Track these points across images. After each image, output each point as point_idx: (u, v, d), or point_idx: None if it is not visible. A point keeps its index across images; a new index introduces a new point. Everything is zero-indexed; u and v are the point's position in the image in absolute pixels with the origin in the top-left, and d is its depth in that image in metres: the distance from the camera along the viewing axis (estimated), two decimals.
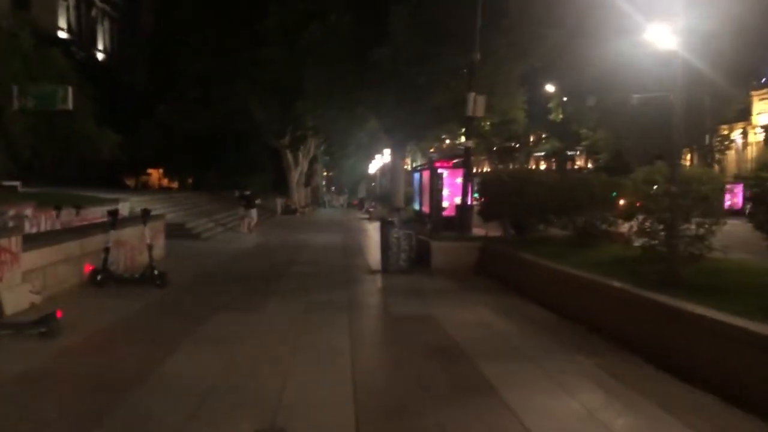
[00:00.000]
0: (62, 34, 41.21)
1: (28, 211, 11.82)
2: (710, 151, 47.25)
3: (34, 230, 11.57)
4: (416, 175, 27.92)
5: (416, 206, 26.71)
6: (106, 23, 52.20)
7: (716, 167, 58.88)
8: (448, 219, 20.24)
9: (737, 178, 55.87)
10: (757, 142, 57.39)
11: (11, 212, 11.16)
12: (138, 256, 12.62)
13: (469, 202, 18.11)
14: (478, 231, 18.44)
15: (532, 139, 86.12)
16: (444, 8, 26.29)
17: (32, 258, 9.06)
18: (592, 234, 10.58)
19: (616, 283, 7.43)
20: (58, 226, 12.63)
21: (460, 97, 30.45)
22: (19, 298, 8.45)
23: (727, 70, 43.37)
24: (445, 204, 21.17)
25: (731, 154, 59.61)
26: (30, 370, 5.95)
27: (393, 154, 36.87)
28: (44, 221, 12.36)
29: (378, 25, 27.82)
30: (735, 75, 45.62)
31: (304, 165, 48.16)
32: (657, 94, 44.56)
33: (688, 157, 63.10)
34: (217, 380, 5.62)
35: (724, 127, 56.45)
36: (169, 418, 4.74)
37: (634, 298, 6.84)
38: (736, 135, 58.85)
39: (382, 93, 29.74)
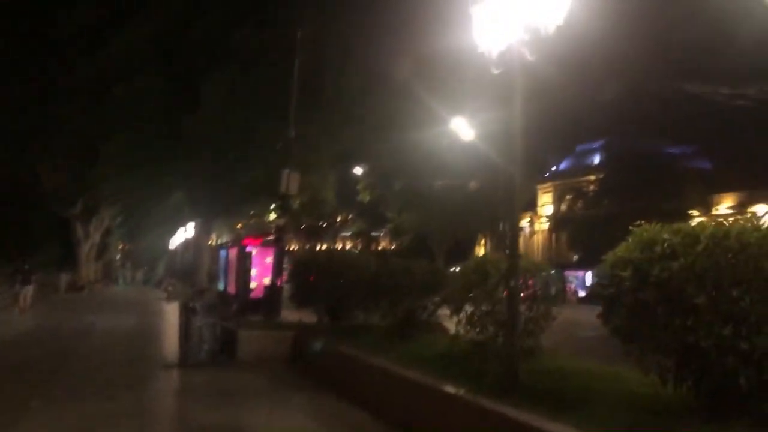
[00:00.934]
0: None
1: None
2: (504, 238, 50.20)
3: None
4: (223, 253, 26.19)
5: (221, 286, 24.93)
6: None
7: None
8: (256, 301, 18.90)
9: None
10: (542, 231, 62.41)
11: None
12: None
13: (279, 284, 17.04)
14: (288, 315, 17.25)
15: (339, 219, 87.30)
16: (264, 82, 25.66)
17: None
18: (414, 324, 9.86)
19: (450, 389, 6.65)
20: None
21: (274, 173, 29.65)
22: None
23: (516, 164, 46.92)
24: (253, 285, 19.80)
25: (520, 242, 63.92)
26: None
27: (198, 228, 34.83)
28: None
29: (192, 92, 26.44)
30: (522, 168, 49.48)
31: (95, 237, 44.17)
32: (459, 183, 47.16)
33: (482, 242, 67.22)
34: None
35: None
36: None
37: (471, 407, 6.08)
38: (525, 224, 63.57)
39: (193, 164, 28.09)
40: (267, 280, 19.76)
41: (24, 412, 7.66)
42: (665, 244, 4.68)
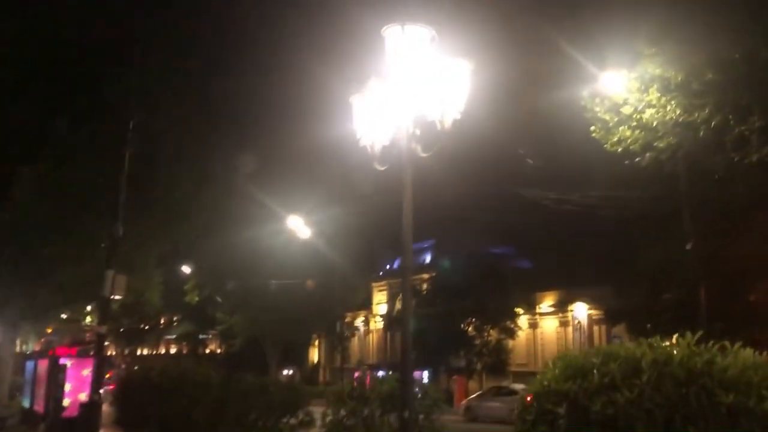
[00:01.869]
0: None
1: None
2: (341, 338, 49.51)
3: None
4: (29, 365, 23.09)
5: (26, 403, 21.75)
6: None
7: (340, 356, 62.07)
8: (70, 421, 16.51)
9: (361, 365, 59.47)
10: (377, 330, 62.40)
11: None
12: None
13: (98, 400, 14.96)
14: None
15: (163, 321, 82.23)
16: (82, 176, 23.66)
17: None
18: None
19: None
20: None
21: (93, 274, 27.04)
22: None
23: (352, 262, 47.10)
24: (66, 402, 17.34)
25: (355, 341, 63.68)
26: None
27: (0, 334, 30.70)
28: None
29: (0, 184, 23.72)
30: (359, 267, 49.80)
31: None
32: (294, 282, 46.11)
33: (317, 343, 65.94)
34: None
35: (349, 314, 60.61)
36: None
37: None
38: (359, 322, 63.38)
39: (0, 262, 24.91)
40: (84, 396, 17.43)
41: None
42: (601, 373, 4.06)
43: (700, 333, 4.76)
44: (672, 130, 17.82)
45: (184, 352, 75.84)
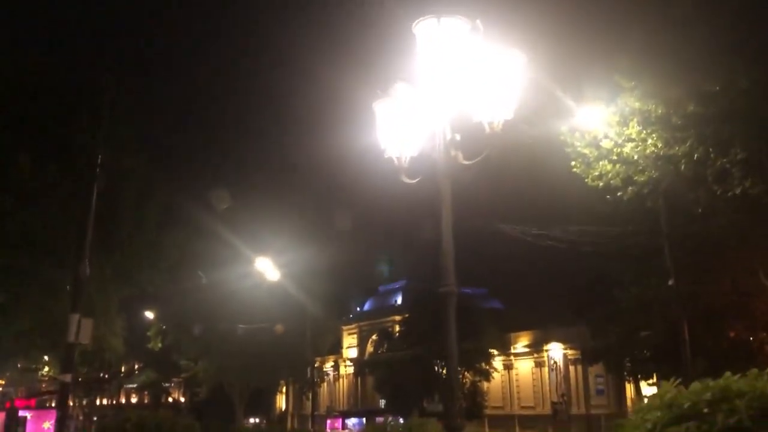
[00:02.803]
0: None
1: None
2: (311, 384, 48.08)
3: None
4: None
5: None
6: None
7: (310, 402, 60.44)
8: None
9: (330, 411, 57.94)
10: (348, 374, 61.02)
11: None
12: None
13: None
14: None
15: (124, 369, 79.39)
16: (44, 218, 22.64)
17: None
18: None
19: None
20: None
21: (53, 321, 25.72)
22: None
23: (322, 305, 46.06)
24: None
25: (324, 387, 62.12)
26: None
27: None
28: None
29: None
30: (329, 309, 48.74)
31: None
32: (263, 326, 44.79)
33: (284, 389, 64.09)
34: None
35: (319, 359, 59.13)
36: None
37: None
38: (329, 367, 61.93)
39: None
40: None
41: None
42: (725, 413, 3.27)
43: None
44: (653, 164, 17.65)
45: (146, 401, 73.19)
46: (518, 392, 47.18)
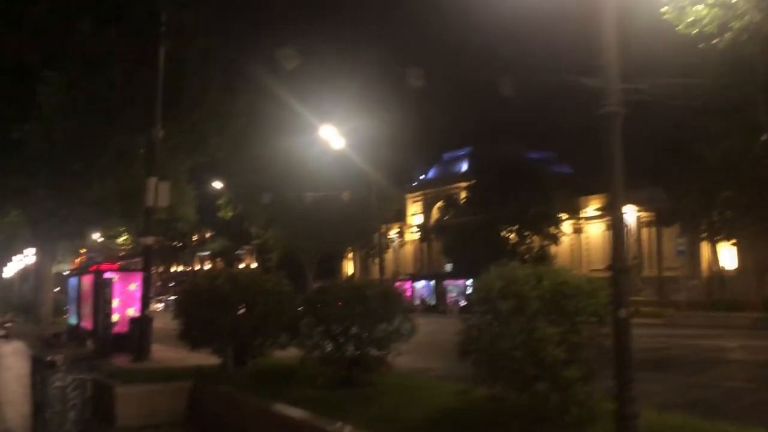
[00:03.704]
0: None
1: None
2: (380, 249, 48.58)
3: None
4: (72, 281, 22.30)
5: (72, 320, 21.07)
6: None
7: (375, 266, 61.60)
8: (120, 337, 15.67)
9: (397, 276, 59.02)
10: (413, 241, 61.56)
11: None
12: None
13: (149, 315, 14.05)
14: (161, 353, 14.24)
15: (196, 239, 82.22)
16: (109, 83, 22.24)
17: None
18: (366, 365, 7.46)
19: None
20: None
21: (128, 187, 26.00)
22: None
23: (386, 173, 45.72)
24: (114, 317, 16.46)
25: (389, 253, 62.87)
26: None
27: (39, 254, 30.13)
28: None
29: (23, 97, 22.39)
30: (393, 177, 48.49)
31: None
32: (329, 194, 44.94)
33: (350, 255, 65.38)
34: None
35: (384, 226, 59.46)
36: None
37: None
38: (394, 234, 62.47)
39: (29, 180, 23.90)
40: (132, 312, 16.54)
41: None
42: None
43: None
44: (755, 6, 15.82)
45: (220, 267, 76.00)
46: (587, 256, 46.73)
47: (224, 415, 8.10)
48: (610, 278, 4.95)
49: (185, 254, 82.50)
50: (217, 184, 49.72)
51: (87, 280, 18.30)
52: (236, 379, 8.54)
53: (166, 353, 14.35)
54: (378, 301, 7.38)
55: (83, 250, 59.85)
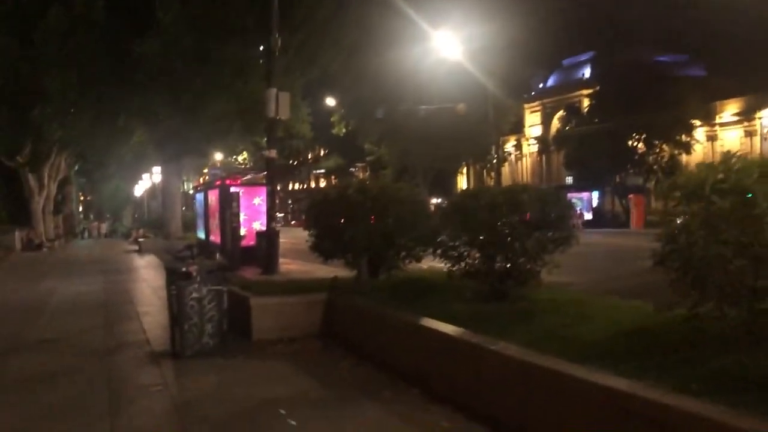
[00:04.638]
0: None
1: None
2: (499, 161, 47.22)
3: None
4: (199, 197, 22.69)
5: (201, 234, 21.54)
6: None
7: (491, 180, 60.18)
8: (248, 250, 15.71)
9: None
10: (531, 153, 59.50)
11: None
12: None
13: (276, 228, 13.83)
14: (288, 266, 14.13)
15: (311, 156, 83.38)
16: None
17: None
18: (522, 278, 6.69)
19: None
20: None
21: (246, 104, 25.97)
22: None
23: (502, 83, 43.68)
24: (242, 231, 16.51)
25: (505, 167, 61.12)
26: None
27: (165, 172, 31.05)
28: None
29: (142, 13, 22.46)
30: (509, 87, 46.33)
31: (52, 188, 39.97)
32: (443, 106, 43.59)
33: (464, 170, 64.15)
34: None
35: (500, 139, 57.65)
36: None
37: None
38: (510, 147, 60.58)
39: (151, 98, 24.28)
40: (258, 225, 16.53)
41: None
42: None
43: None
44: None
45: (333, 185, 77.09)
46: None
47: (361, 329, 7.62)
48: None
49: (301, 172, 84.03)
50: (330, 101, 49.46)
51: (213, 195, 18.41)
52: (372, 293, 8.02)
53: (291, 266, 14.26)
54: (535, 207, 6.52)
55: (205, 170, 61.97)
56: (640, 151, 42.18)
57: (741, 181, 3.94)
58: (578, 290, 7.85)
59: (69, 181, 49.51)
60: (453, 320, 6.03)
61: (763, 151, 40.08)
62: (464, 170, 63.93)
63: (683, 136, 41.57)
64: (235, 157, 57.97)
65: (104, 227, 61.06)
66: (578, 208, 39.61)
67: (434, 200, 58.25)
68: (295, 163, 77.56)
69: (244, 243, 16.27)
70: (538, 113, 57.55)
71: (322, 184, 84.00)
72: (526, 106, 56.89)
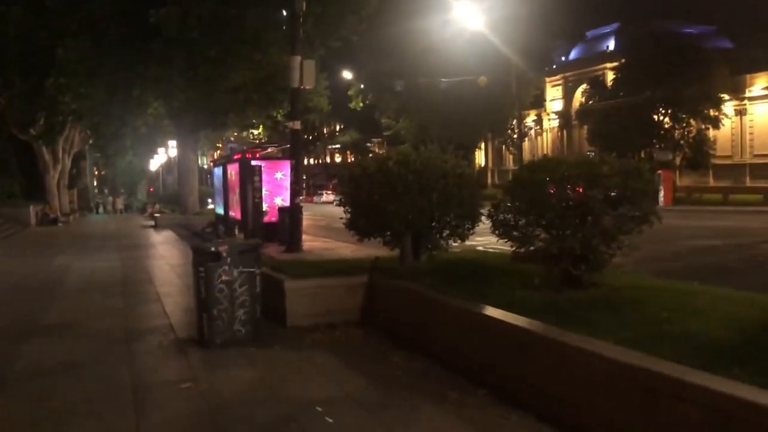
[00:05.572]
0: None
1: None
2: (520, 136, 46.10)
3: None
4: (217, 171, 21.96)
5: (219, 210, 20.85)
6: None
7: (511, 155, 59.08)
8: (270, 227, 15.01)
9: None
10: (552, 128, 58.20)
11: None
12: None
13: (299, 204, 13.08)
14: (311, 243, 13.43)
15: (326, 131, 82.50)
16: None
17: None
18: (595, 261, 5.89)
19: None
20: None
21: (265, 74, 25.10)
22: None
23: (523, 55, 42.46)
24: (263, 207, 15.80)
25: (524, 142, 59.91)
26: None
27: (182, 146, 30.30)
28: None
29: None
30: (530, 60, 45.08)
31: (66, 162, 39.38)
32: (464, 78, 42.45)
33: (482, 145, 63.02)
34: None
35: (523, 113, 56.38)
36: None
37: None
38: (530, 122, 59.34)
39: (167, 68, 23.45)
40: (279, 201, 15.79)
41: None
42: None
43: None
44: None
45: (350, 161, 76.11)
46: (751, 140, 42.12)
47: (411, 317, 6.84)
48: None
49: (317, 147, 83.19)
50: (347, 75, 48.38)
51: (233, 169, 17.66)
52: (419, 275, 7.23)
53: (314, 243, 13.58)
54: (616, 181, 5.69)
55: (220, 144, 61.22)
56: (666, 126, 40.96)
57: None
58: (644, 274, 7.08)
59: (83, 155, 48.96)
60: (525, 311, 5.26)
61: None
62: (482, 145, 62.84)
63: (711, 111, 40.29)
64: (250, 131, 57.22)
65: (119, 202, 60.62)
66: None
67: None
68: (311, 137, 76.68)
69: (265, 219, 15.58)
70: (560, 87, 56.11)
71: (338, 159, 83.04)
72: (547, 79, 55.51)
